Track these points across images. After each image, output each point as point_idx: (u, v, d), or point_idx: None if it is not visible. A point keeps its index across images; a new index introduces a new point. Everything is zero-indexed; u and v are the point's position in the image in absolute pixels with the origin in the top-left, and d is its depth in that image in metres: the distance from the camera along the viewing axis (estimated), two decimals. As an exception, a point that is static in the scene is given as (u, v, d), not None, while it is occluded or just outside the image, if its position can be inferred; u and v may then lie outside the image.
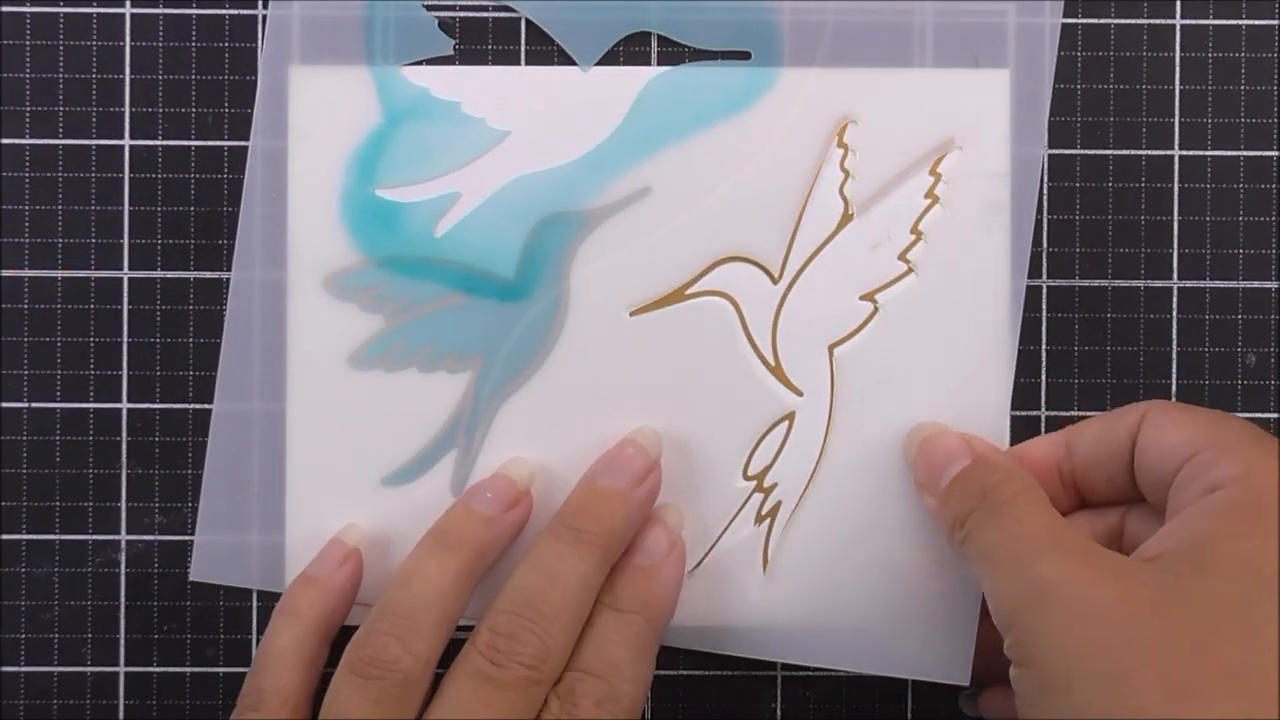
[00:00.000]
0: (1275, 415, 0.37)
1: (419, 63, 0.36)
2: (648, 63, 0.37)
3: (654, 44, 0.37)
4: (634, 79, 0.36)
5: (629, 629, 0.33)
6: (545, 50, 0.37)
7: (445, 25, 0.37)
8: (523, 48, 0.37)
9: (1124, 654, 0.28)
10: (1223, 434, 0.31)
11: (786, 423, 0.36)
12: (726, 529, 0.36)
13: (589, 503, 0.34)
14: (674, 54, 0.37)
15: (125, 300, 0.37)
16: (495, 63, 0.37)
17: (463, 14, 0.37)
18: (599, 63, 0.37)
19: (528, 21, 0.37)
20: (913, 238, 0.36)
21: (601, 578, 0.34)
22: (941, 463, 0.34)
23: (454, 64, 0.37)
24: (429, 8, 0.37)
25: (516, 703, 0.32)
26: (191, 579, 0.37)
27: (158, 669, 0.37)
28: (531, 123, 0.36)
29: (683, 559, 0.35)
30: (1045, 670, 0.29)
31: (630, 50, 0.37)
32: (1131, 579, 0.29)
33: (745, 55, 0.37)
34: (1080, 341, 0.37)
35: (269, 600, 0.36)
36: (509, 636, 0.32)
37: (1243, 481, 0.30)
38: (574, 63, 0.37)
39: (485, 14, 0.37)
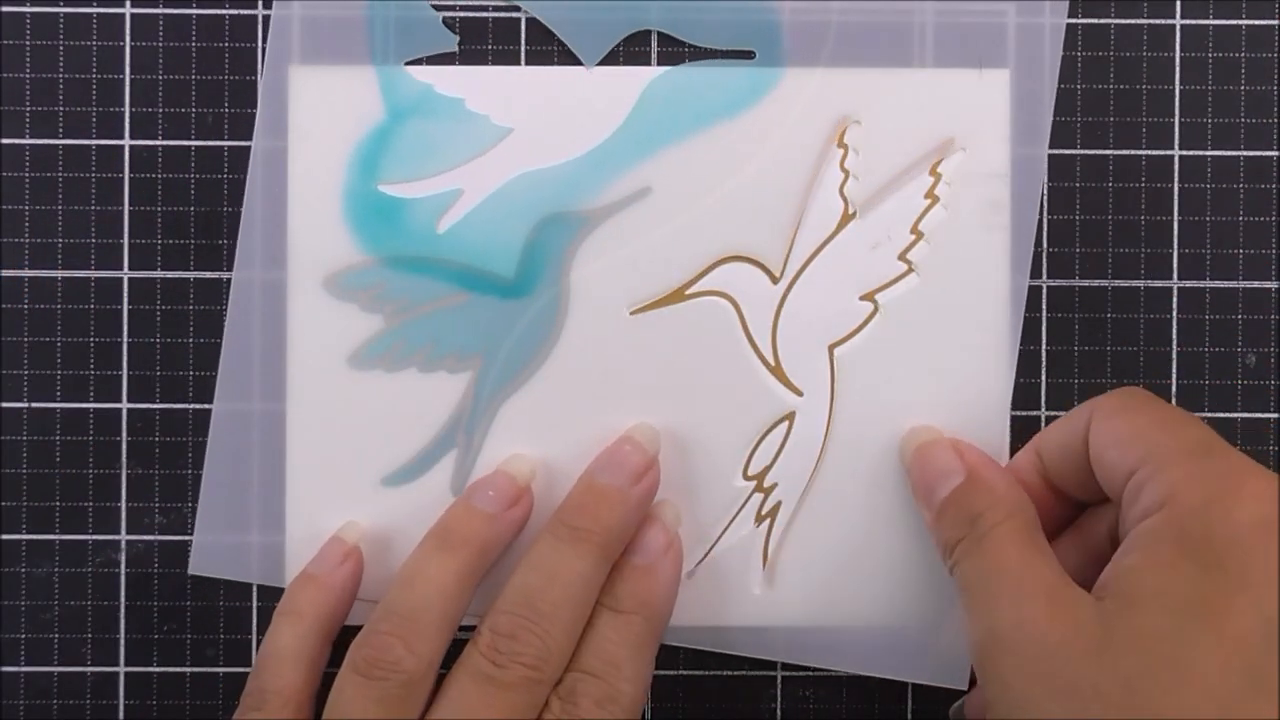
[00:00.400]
0: (1275, 415, 0.37)
1: (419, 61, 0.36)
2: (649, 62, 0.37)
3: (654, 43, 0.37)
4: (637, 78, 0.36)
5: (628, 629, 0.33)
6: (546, 50, 0.37)
7: (446, 24, 0.37)
8: (523, 48, 0.37)
9: (1066, 699, 0.28)
10: (1155, 448, 0.30)
11: (786, 423, 0.36)
12: (727, 529, 0.36)
13: (587, 501, 0.34)
14: (675, 54, 0.37)
15: (125, 300, 0.37)
16: (495, 62, 0.37)
17: (463, 14, 0.37)
18: (601, 62, 0.37)
19: (528, 21, 0.37)
20: (913, 238, 0.36)
21: (602, 576, 0.33)
22: (935, 477, 0.34)
23: (455, 64, 0.37)
24: (438, 7, 0.37)
25: (518, 703, 0.32)
26: (190, 571, 0.37)
27: (158, 669, 0.37)
28: (534, 120, 0.36)
29: (680, 557, 0.35)
30: (1003, 716, 0.29)
31: (631, 50, 0.37)
32: (1079, 619, 0.29)
33: (749, 55, 0.37)
34: (1080, 341, 0.37)
35: (269, 600, 0.36)
36: (509, 636, 0.32)
37: (1166, 508, 0.29)
38: (576, 62, 0.37)
39: (485, 14, 0.37)
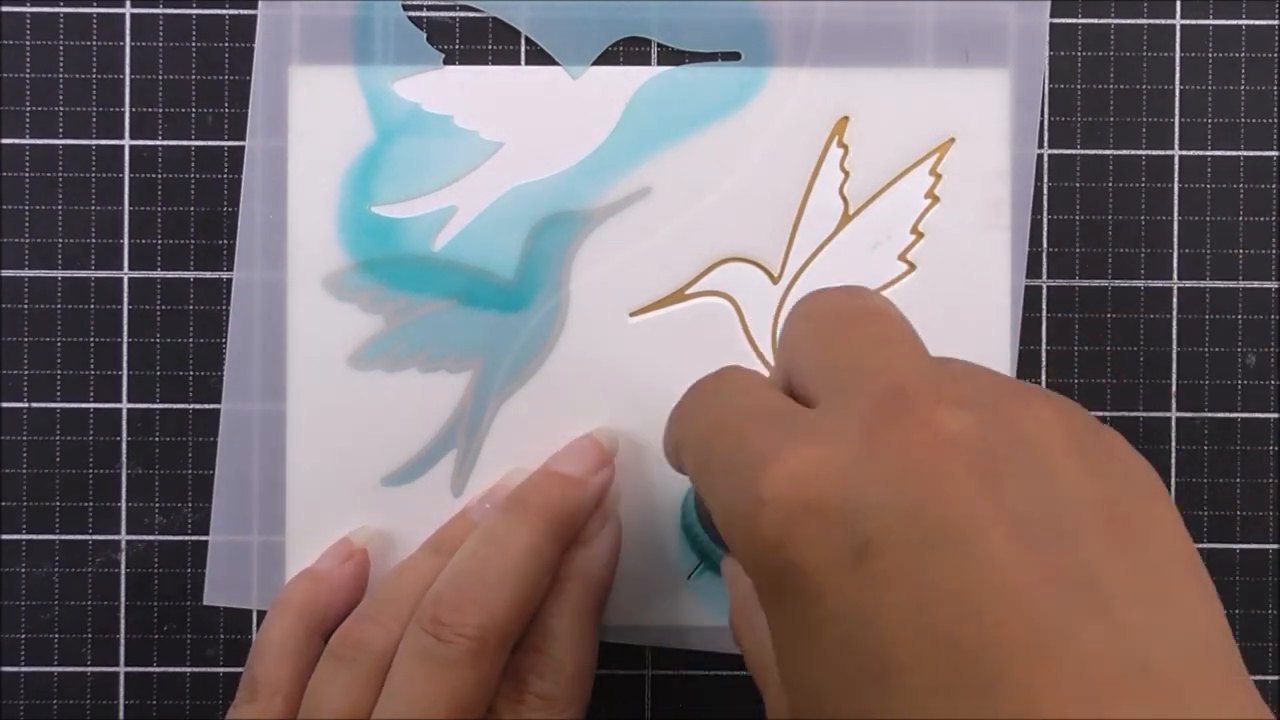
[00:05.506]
0: (1275, 415, 0.37)
1: (417, 64, 0.36)
2: (630, 65, 0.37)
3: (634, 46, 0.37)
4: (624, 84, 0.36)
5: (564, 597, 0.33)
6: (544, 49, 0.37)
7: (444, 26, 0.37)
8: (522, 48, 0.37)
9: None
10: None
11: (787, 423, 0.36)
12: (727, 529, 0.36)
13: (542, 482, 0.34)
14: (649, 56, 0.37)
15: (125, 300, 0.37)
16: (495, 63, 0.37)
17: (462, 14, 0.37)
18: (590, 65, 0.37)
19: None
20: (913, 238, 0.36)
21: (553, 555, 0.32)
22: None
23: (455, 63, 0.37)
24: (429, 8, 0.37)
25: (465, 680, 0.30)
26: (205, 602, 0.37)
27: (158, 669, 0.37)
28: (524, 133, 0.36)
29: (617, 534, 0.35)
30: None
31: (612, 54, 0.37)
32: None
33: (734, 56, 0.37)
34: (1080, 341, 0.37)
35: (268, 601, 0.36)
36: (453, 609, 0.31)
37: None
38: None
39: (485, 15, 0.37)
